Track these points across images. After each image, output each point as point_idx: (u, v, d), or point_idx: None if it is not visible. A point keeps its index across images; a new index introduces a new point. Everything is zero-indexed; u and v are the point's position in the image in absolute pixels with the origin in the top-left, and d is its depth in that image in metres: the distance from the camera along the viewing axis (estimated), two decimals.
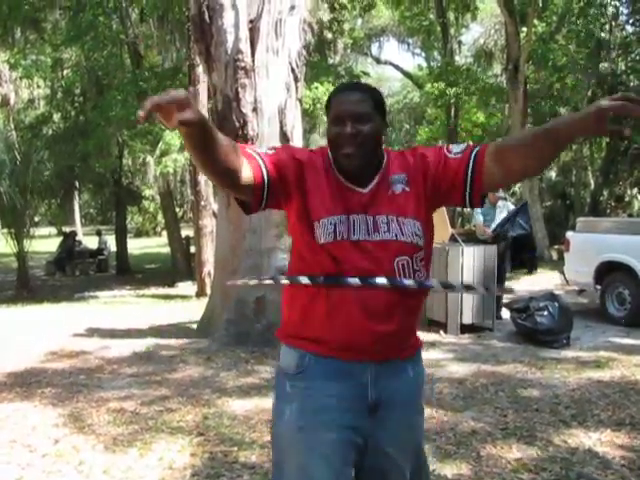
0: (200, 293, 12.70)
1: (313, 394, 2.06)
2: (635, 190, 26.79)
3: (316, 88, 15.94)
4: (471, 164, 2.03)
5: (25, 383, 6.03)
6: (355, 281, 1.96)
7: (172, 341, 7.72)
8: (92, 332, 8.47)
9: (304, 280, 2.00)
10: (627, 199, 26.97)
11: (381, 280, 1.97)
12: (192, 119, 1.63)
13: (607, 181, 23.87)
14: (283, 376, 2.14)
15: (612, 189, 25.08)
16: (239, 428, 4.63)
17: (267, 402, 5.13)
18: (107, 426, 4.74)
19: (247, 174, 1.91)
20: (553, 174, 28.09)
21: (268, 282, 2.20)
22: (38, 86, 24.17)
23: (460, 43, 27.51)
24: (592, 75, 20.49)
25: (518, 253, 9.17)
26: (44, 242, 20.63)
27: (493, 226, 9.02)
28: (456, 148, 2.10)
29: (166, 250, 21.87)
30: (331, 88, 16.24)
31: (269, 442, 4.24)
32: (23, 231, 15.06)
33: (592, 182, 25.72)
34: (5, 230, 15.32)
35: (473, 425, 4.68)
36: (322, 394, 2.05)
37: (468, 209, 24.90)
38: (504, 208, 9.27)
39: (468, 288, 2.18)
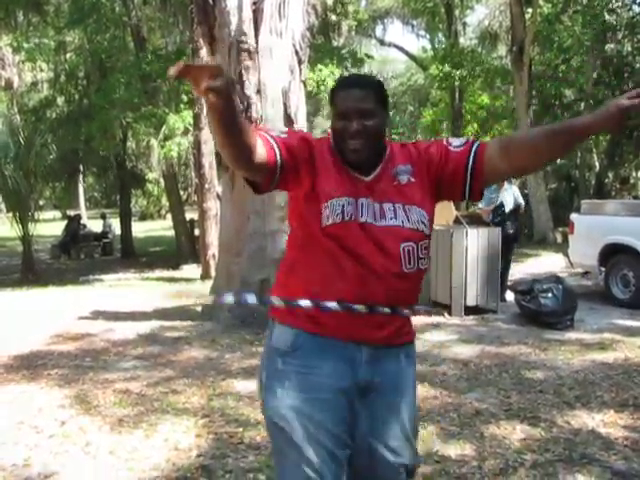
0: (205, 276, 12.73)
1: (307, 372, 2.10)
2: None
3: (320, 70, 15.86)
4: (472, 158, 2.12)
5: (31, 365, 6.06)
6: (360, 308, 2.03)
7: (177, 323, 7.75)
8: (97, 315, 8.50)
9: (302, 303, 2.05)
10: (632, 181, 26.88)
11: (385, 310, 2.06)
12: (221, 87, 1.68)
13: (612, 163, 23.76)
14: (275, 353, 2.16)
15: (617, 171, 24.98)
16: (244, 409, 4.65)
17: None
18: (113, 407, 4.78)
19: (261, 154, 1.96)
20: None
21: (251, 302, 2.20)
22: (41, 69, 24.07)
23: (465, 25, 27.32)
24: (598, 56, 20.35)
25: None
26: (49, 226, 20.73)
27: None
28: (456, 142, 2.19)
29: (170, 233, 21.89)
30: (335, 71, 16.19)
31: None
32: (28, 215, 15.08)
33: (597, 164, 25.61)
34: (10, 214, 15.33)
35: (477, 406, 4.70)
36: (316, 372, 2.09)
37: None
38: (509, 190, 9.25)
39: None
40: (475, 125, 26.59)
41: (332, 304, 2.01)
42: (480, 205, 9.76)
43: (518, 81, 18.29)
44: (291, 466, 2.08)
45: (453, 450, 3.92)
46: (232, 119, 1.82)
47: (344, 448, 2.10)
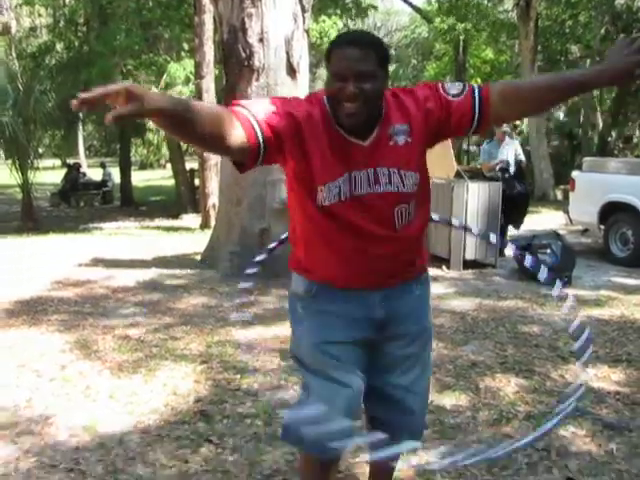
0: (204, 225, 12.75)
1: (322, 314, 2.20)
2: None
3: (323, 22, 15.67)
4: (477, 108, 2.08)
5: (32, 311, 6.11)
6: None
7: (176, 271, 7.79)
8: (97, 262, 8.54)
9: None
10: (635, 140, 26.73)
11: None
12: (132, 112, 1.56)
13: (616, 122, 23.60)
14: (295, 298, 2.29)
15: (621, 130, 24.84)
16: (242, 357, 4.71)
17: (270, 331, 5.23)
18: (112, 353, 4.83)
19: (240, 137, 1.85)
20: (561, 114, 27.78)
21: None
22: (40, 14, 23.73)
23: None
24: (606, 12, 20.04)
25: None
26: (48, 174, 20.64)
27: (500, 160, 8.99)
28: (453, 89, 2.11)
29: (170, 183, 21.85)
30: (338, 22, 15.97)
31: (272, 370, 4.36)
32: (27, 162, 15.01)
33: (600, 122, 25.44)
34: (9, 161, 15.26)
35: (473, 358, 4.76)
36: (331, 314, 2.19)
37: (473, 148, 24.77)
38: (510, 144, 9.21)
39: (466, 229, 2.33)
40: (479, 80, 26.32)
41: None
42: (481, 160, 9.72)
43: (523, 36, 18.07)
44: (319, 387, 2.21)
45: (448, 400, 3.98)
46: (181, 123, 1.72)
47: (361, 375, 2.24)
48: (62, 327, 5.52)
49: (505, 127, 9.19)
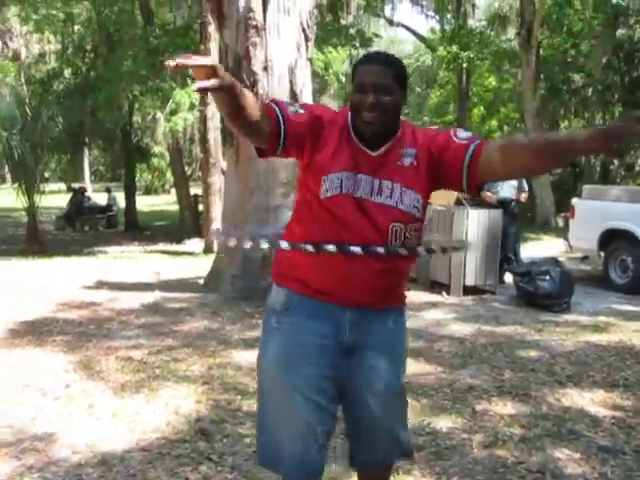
0: (207, 250, 12.83)
1: (296, 330, 2.25)
2: None
3: (330, 52, 15.90)
4: (469, 154, 2.17)
5: (37, 331, 6.19)
6: (357, 249, 2.09)
7: (179, 295, 7.87)
8: (101, 285, 8.63)
9: (307, 247, 2.13)
10: (637, 169, 26.82)
11: (380, 249, 2.11)
12: (213, 86, 1.81)
13: None
14: (271, 312, 2.33)
15: (623, 158, 24.94)
16: (243, 378, 4.78)
17: None
18: (115, 373, 4.91)
19: (266, 127, 2.09)
20: None
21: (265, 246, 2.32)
22: (49, 41, 24.07)
23: (474, 6, 27.10)
24: (608, 42, 20.25)
25: None
26: (54, 198, 20.78)
27: (501, 193, 9.04)
28: (462, 134, 2.24)
29: (174, 208, 22.00)
30: (343, 54, 16.23)
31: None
32: (34, 186, 15.15)
33: None
34: (16, 185, 15.40)
35: (470, 382, 4.82)
36: (303, 331, 2.24)
37: None
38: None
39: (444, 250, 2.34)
40: (481, 108, 26.58)
41: (331, 246, 2.08)
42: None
43: (525, 64, 18.27)
44: (274, 411, 2.25)
45: (444, 423, 4.05)
46: (236, 104, 1.95)
47: (331, 400, 2.25)
48: (66, 348, 5.60)
49: None
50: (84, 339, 5.89)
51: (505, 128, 27.32)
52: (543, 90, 20.91)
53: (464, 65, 22.72)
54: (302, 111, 2.20)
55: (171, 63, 1.77)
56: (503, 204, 8.85)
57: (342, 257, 2.10)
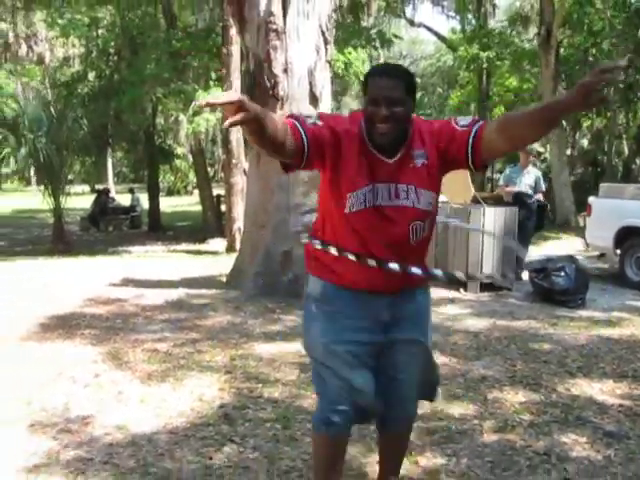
0: (230, 249, 13.05)
1: (334, 316, 2.54)
2: None
3: (349, 53, 16.11)
4: (472, 137, 2.40)
5: (66, 325, 6.44)
6: (372, 263, 2.42)
7: (203, 291, 8.09)
8: (126, 282, 8.88)
9: (349, 256, 2.45)
10: None
11: (393, 266, 2.41)
12: (242, 120, 2.01)
13: None
14: (310, 300, 2.63)
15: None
16: (264, 368, 4.99)
17: (291, 347, 5.50)
18: (142, 364, 5.14)
19: (290, 144, 2.28)
20: (585, 142, 27.90)
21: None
22: (73, 45, 24.45)
23: (494, 6, 27.15)
24: (629, 40, 20.20)
25: None
26: (78, 199, 21.14)
27: (518, 188, 9.15)
28: (463, 121, 2.48)
29: (196, 209, 22.29)
30: (363, 54, 16.42)
31: (291, 381, 4.63)
32: (59, 187, 15.48)
33: (626, 150, 25.50)
34: (42, 187, 15.74)
35: (483, 373, 4.99)
36: (342, 315, 2.53)
37: (497, 175, 24.92)
38: (532, 173, 9.35)
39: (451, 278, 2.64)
40: (502, 108, 26.57)
41: (372, 261, 2.41)
42: (500, 182, 9.91)
43: (545, 64, 18.30)
44: (329, 383, 2.58)
45: (457, 409, 4.22)
46: (263, 131, 2.14)
47: (370, 371, 2.58)
48: (94, 340, 5.85)
49: (531, 157, 9.37)
50: (111, 332, 6.13)
51: None
52: (564, 89, 20.88)
53: (484, 65, 22.78)
54: (320, 123, 2.39)
55: (202, 102, 2.01)
56: (520, 198, 8.97)
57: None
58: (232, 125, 2.01)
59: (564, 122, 20.07)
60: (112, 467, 3.39)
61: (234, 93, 2.05)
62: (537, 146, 10.11)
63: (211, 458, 3.48)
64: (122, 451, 3.57)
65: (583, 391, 4.62)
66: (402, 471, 3.10)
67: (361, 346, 2.53)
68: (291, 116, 2.42)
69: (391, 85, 2.34)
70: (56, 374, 4.89)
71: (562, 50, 20.10)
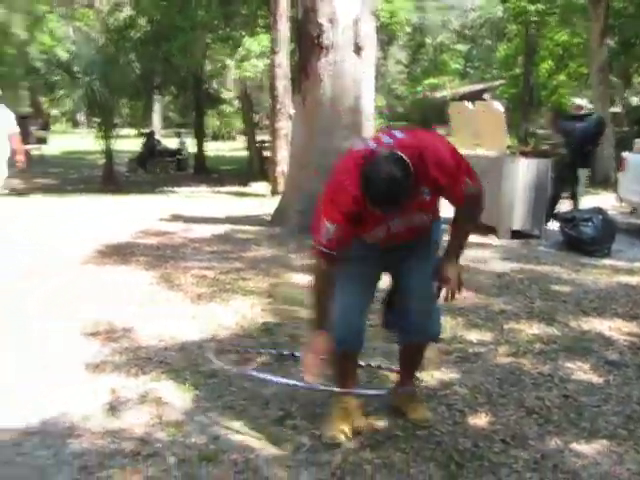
0: (273, 191, 13.47)
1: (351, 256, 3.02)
2: None
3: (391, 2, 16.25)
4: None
5: (121, 253, 7.03)
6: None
7: (247, 227, 8.63)
8: (175, 218, 9.44)
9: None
10: None
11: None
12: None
13: None
14: None
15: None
16: (302, 295, 5.45)
17: None
18: (192, 286, 5.69)
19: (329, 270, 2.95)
20: (635, 99, 27.52)
21: None
22: None
23: None
24: None
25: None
26: (124, 142, 21.74)
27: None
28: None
29: (240, 153, 22.74)
30: (408, 3, 16.49)
31: None
32: (111, 129, 16.04)
33: None
34: (93, 128, 16.31)
35: (503, 307, 5.40)
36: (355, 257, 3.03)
37: (541, 131, 24.81)
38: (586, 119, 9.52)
39: None
40: (550, 62, 26.33)
41: None
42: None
43: (594, 17, 18.05)
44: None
45: (474, 336, 4.67)
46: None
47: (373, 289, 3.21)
48: (148, 266, 6.42)
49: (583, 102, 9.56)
50: (162, 260, 6.70)
51: (573, 83, 26.99)
52: (615, 44, 20.59)
53: (533, 18, 22.55)
54: (334, 226, 2.78)
55: (308, 380, 2.90)
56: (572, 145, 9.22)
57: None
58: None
59: (614, 78, 19.82)
60: (166, 365, 3.94)
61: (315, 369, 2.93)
62: (582, 101, 10.18)
63: (252, 362, 3.99)
64: (175, 354, 4.12)
65: (593, 327, 5.01)
66: (419, 383, 3.57)
67: (368, 268, 3.14)
68: (314, 249, 2.91)
69: (393, 208, 2.68)
70: (114, 293, 5.46)
71: (614, 3, 19.74)
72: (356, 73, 8.18)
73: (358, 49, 8.08)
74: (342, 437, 3.10)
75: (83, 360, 4.00)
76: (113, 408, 3.40)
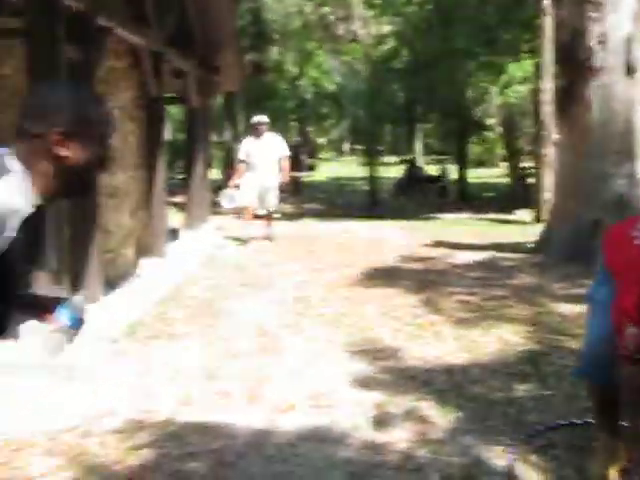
0: (538, 218, 13.14)
1: None
2: None
3: None
4: None
5: (386, 276, 7.40)
6: None
7: (510, 255, 8.57)
8: (437, 244, 9.64)
9: None
10: None
11: None
12: None
13: None
14: None
15: None
16: (567, 324, 5.34)
17: None
18: (455, 311, 5.83)
19: None
20: None
21: None
22: (386, 23, 25.69)
23: None
24: None
25: None
26: (386, 169, 22.49)
27: None
28: None
29: (502, 180, 22.43)
30: None
31: None
32: (375, 157, 16.76)
33: None
34: (358, 155, 17.18)
35: None
36: None
37: None
38: None
39: None
40: None
41: None
42: None
43: None
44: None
45: None
46: None
47: None
48: (411, 289, 6.68)
49: None
50: (426, 284, 6.92)
51: None
52: None
53: None
54: None
55: None
56: None
57: None
58: None
59: None
60: (430, 385, 4.11)
61: None
62: None
63: (513, 389, 4.02)
64: (438, 375, 4.27)
65: None
66: None
67: None
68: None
69: None
70: (381, 313, 5.77)
71: None
72: (627, 95, 7.82)
73: (629, 70, 7.73)
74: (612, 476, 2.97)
75: (349, 374, 4.31)
76: (379, 422, 3.63)
